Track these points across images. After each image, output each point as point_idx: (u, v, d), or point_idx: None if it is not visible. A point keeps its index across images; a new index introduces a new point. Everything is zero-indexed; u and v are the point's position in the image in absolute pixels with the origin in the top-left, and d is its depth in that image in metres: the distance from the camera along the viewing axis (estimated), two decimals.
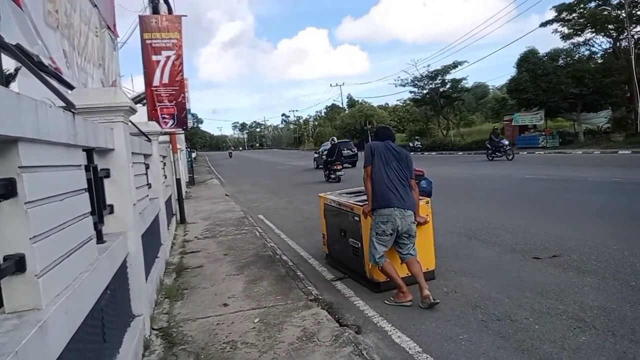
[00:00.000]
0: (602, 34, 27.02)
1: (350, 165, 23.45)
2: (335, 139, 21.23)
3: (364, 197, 4.93)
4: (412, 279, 4.42)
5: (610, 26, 25.93)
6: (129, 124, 3.89)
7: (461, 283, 4.78)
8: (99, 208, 2.92)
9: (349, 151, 24.57)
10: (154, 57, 9.31)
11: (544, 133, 28.24)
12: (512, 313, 3.87)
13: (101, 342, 2.42)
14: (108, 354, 2.54)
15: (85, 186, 2.48)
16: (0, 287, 1.69)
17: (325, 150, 22.31)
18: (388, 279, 4.54)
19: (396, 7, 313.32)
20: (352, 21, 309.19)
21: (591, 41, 28.15)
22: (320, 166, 21.18)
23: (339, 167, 17.21)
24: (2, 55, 2.65)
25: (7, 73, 3.01)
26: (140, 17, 9.57)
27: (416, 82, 39.90)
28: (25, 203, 1.67)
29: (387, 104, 64.19)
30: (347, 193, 5.89)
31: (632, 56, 23.80)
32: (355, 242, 5.00)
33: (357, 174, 17.60)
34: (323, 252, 6.14)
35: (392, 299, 4.41)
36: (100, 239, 2.87)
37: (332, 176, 17.37)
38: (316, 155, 27.58)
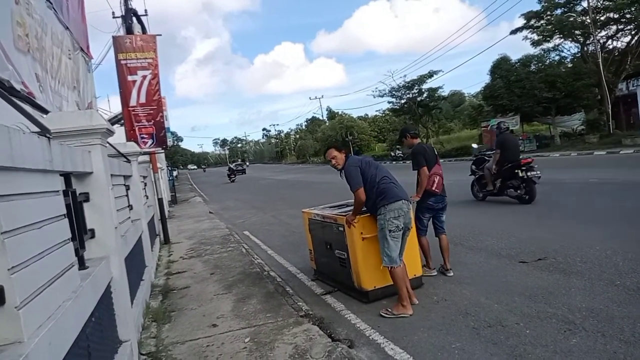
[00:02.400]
0: (570, 39, 27.86)
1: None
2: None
3: (347, 209, 5.02)
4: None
5: (577, 32, 26.76)
6: (107, 145, 3.81)
7: (450, 290, 4.78)
8: (80, 233, 2.83)
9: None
10: (130, 77, 9.23)
11: (521, 137, 28.78)
12: (502, 319, 3.88)
13: None
14: None
15: (64, 212, 2.41)
16: None
17: None
18: (376, 288, 4.61)
19: (369, 20, 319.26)
20: (326, 35, 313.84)
21: (560, 46, 29.04)
22: None
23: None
24: None
25: None
26: (114, 37, 9.50)
27: (394, 92, 40.49)
28: (2, 233, 1.60)
29: (367, 114, 64.79)
30: (330, 207, 5.87)
31: (600, 60, 24.57)
32: (342, 253, 4.96)
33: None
34: (311, 267, 6.08)
35: (389, 310, 4.30)
36: (82, 264, 2.78)
37: None
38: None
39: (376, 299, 4.67)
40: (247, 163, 62.43)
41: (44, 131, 2.22)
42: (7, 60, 3.07)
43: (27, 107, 2.77)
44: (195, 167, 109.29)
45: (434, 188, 5.24)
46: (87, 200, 3.24)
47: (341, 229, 4.88)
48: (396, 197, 4.41)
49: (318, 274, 5.91)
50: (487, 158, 10.35)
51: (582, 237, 6.12)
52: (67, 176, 2.71)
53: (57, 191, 2.35)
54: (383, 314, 4.29)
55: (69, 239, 2.40)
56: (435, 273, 5.37)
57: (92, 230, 3.26)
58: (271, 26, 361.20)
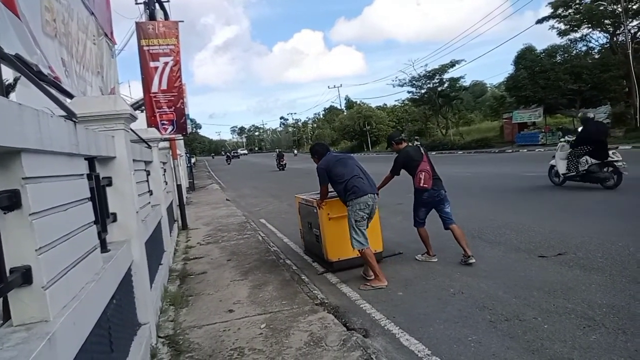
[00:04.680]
0: (599, 29, 27.11)
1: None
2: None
3: (332, 195, 5.61)
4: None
5: (606, 21, 26.00)
6: (129, 131, 3.87)
7: (467, 283, 4.75)
8: (102, 217, 2.89)
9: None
10: (152, 64, 9.30)
11: (543, 130, 28.24)
12: (520, 313, 3.85)
13: (109, 352, 2.39)
14: None
15: (89, 195, 2.46)
16: (7, 299, 1.67)
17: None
18: (340, 259, 5.59)
19: (389, 7, 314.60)
20: (346, 22, 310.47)
21: (588, 37, 28.30)
22: None
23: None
24: (2, 65, 2.63)
25: (7, 83, 2.99)
26: (137, 23, 9.56)
27: (414, 81, 39.97)
28: (30, 214, 1.65)
29: (385, 104, 64.18)
30: (317, 193, 6.12)
31: (630, 51, 23.84)
32: (317, 230, 5.93)
33: None
34: (301, 245, 7.03)
35: (367, 284, 4.94)
36: (104, 247, 2.85)
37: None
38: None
39: (340, 268, 5.64)
40: (296, 152, 64.07)
41: (70, 115, 2.26)
42: (35, 44, 3.13)
43: (54, 91, 2.82)
44: (245, 151, 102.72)
45: (421, 184, 5.54)
46: (109, 184, 3.30)
47: (315, 210, 5.81)
48: (362, 192, 5.03)
49: (306, 250, 6.85)
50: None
51: (605, 233, 6.00)
52: (91, 160, 2.76)
53: (82, 175, 2.40)
54: (362, 288, 4.90)
55: (92, 222, 2.45)
56: (436, 259, 5.69)
57: (114, 214, 3.33)
58: (291, 13, 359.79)
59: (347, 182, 5.10)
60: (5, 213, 1.61)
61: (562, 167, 10.18)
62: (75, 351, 1.81)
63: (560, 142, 10.69)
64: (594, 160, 9.47)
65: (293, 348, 3.49)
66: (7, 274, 1.57)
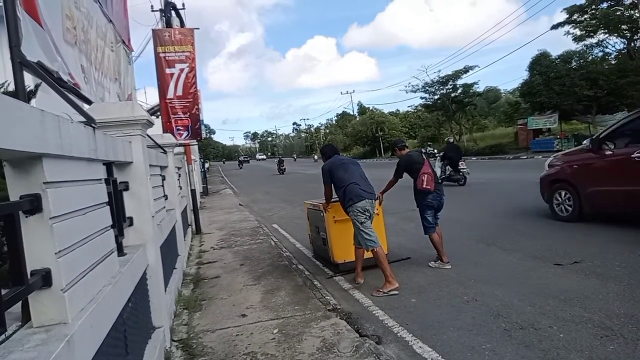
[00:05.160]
0: (616, 34, 26.72)
1: None
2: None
3: (336, 199, 5.67)
4: (370, 261, 5.27)
5: (623, 26, 25.62)
6: (146, 136, 3.93)
7: (481, 291, 4.70)
8: (119, 221, 2.94)
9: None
10: (168, 70, 9.44)
11: (558, 136, 27.90)
12: (535, 321, 3.80)
13: (124, 354, 2.42)
14: None
15: (106, 199, 2.50)
16: (28, 301, 1.70)
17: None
18: (345, 261, 5.66)
19: (402, 13, 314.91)
20: (358, 28, 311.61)
21: (604, 42, 27.87)
22: None
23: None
24: (24, 72, 2.69)
25: (28, 90, 3.06)
26: (153, 31, 9.72)
27: (427, 87, 39.88)
28: (50, 218, 1.69)
29: (398, 110, 64.23)
30: None
31: None
32: (324, 233, 6.09)
33: None
34: (311, 250, 7.15)
35: (380, 290, 4.92)
36: (120, 251, 2.89)
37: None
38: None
39: (346, 270, 5.73)
40: (317, 157, 64.70)
41: (89, 121, 2.31)
42: (56, 51, 3.20)
43: (73, 98, 2.88)
44: (264, 156, 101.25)
45: (424, 186, 5.68)
46: (126, 189, 3.35)
47: (322, 214, 5.97)
48: (359, 199, 5.16)
49: (315, 254, 6.95)
50: None
51: (622, 241, 5.90)
52: (109, 165, 2.81)
53: (100, 179, 2.44)
54: (375, 295, 4.88)
55: (110, 226, 2.49)
56: (449, 266, 5.64)
57: (131, 218, 3.38)
58: (304, 20, 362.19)
59: (345, 187, 5.26)
60: (27, 217, 1.65)
61: (438, 172, 11.84)
62: (93, 353, 1.84)
63: (436, 156, 15.87)
64: (450, 169, 14.65)
65: (306, 354, 3.49)
66: (28, 277, 1.61)
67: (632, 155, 6.29)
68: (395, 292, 4.86)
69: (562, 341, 3.40)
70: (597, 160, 7.05)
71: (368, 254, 5.26)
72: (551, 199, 7.93)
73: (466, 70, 37.13)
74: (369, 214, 5.18)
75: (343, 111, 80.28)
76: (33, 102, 3.68)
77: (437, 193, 5.72)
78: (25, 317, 1.78)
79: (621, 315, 3.73)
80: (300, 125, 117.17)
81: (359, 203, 5.16)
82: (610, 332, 3.46)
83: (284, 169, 36.39)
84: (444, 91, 39.00)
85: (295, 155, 66.90)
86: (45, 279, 1.66)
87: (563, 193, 7.68)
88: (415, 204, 5.91)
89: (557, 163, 8.01)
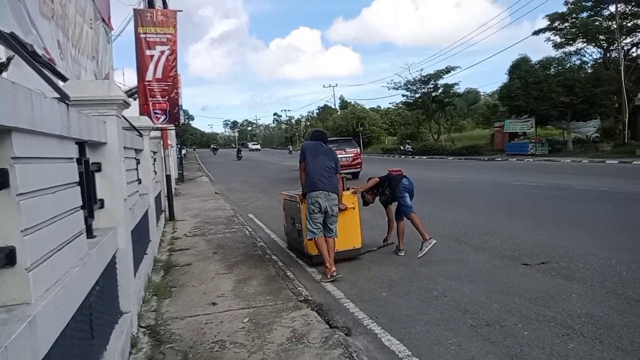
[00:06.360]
0: (593, 44, 27.44)
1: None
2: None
3: None
4: (342, 254, 5.73)
5: (601, 37, 26.32)
6: (122, 117, 3.84)
7: (451, 287, 4.79)
8: (90, 202, 2.87)
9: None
10: (148, 52, 9.22)
11: (533, 141, 28.53)
12: (501, 319, 3.89)
13: (89, 338, 2.38)
14: (95, 351, 2.50)
15: (77, 179, 2.44)
16: None
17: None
18: (319, 254, 5.49)
19: (388, 10, 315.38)
20: (344, 22, 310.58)
21: (582, 51, 28.61)
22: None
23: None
24: None
25: (0, 62, 2.94)
26: (135, 10, 9.48)
27: (409, 85, 40.15)
28: (17, 195, 1.63)
29: (379, 106, 64.40)
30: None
31: (622, 67, 24.19)
32: (299, 225, 6.13)
33: None
34: (286, 241, 7.24)
35: (324, 277, 5.23)
36: (90, 233, 2.82)
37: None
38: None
39: (319, 262, 5.63)
40: (291, 148, 65.04)
41: (63, 97, 2.24)
42: (31, 24, 3.09)
43: (47, 73, 2.79)
44: (258, 146, 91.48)
45: (395, 169, 6.55)
46: (99, 170, 3.28)
47: (299, 205, 5.99)
48: (314, 187, 5.37)
49: (289, 245, 7.03)
50: None
51: (587, 244, 6.09)
52: (81, 145, 2.73)
53: (72, 158, 2.38)
54: (322, 282, 5.20)
55: (79, 206, 2.43)
56: (435, 241, 6.00)
57: (102, 201, 3.31)
58: (289, 10, 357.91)
59: (308, 174, 5.47)
60: None
61: None
62: (56, 335, 1.80)
63: None
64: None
65: (275, 343, 3.50)
66: None
67: None
68: (336, 275, 5.16)
69: (526, 338, 3.50)
70: None
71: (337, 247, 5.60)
72: None
73: (448, 70, 37.57)
74: (318, 206, 5.33)
75: (325, 104, 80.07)
76: (4, 75, 3.55)
77: (408, 178, 6.30)
78: None
79: (582, 315, 3.86)
80: (281, 116, 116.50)
81: (312, 192, 5.37)
82: (571, 330, 3.58)
83: (241, 156, 45.85)
84: (425, 90, 39.36)
85: (290, 148, 66.12)
86: (9, 257, 1.61)
87: None
88: (390, 196, 6.33)
89: None
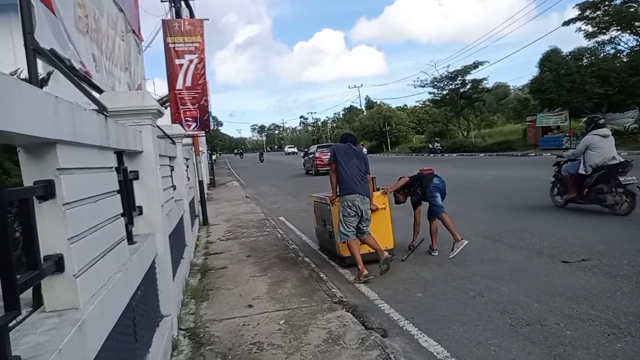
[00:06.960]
0: (629, 31, 26.31)
1: None
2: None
3: None
4: (371, 255, 5.50)
5: (637, 23, 25.24)
6: (156, 126, 3.94)
7: (487, 287, 4.69)
8: (129, 209, 2.95)
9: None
10: (177, 61, 9.44)
11: (568, 134, 27.63)
12: (542, 318, 3.79)
13: (133, 341, 2.45)
14: (139, 354, 2.57)
15: (117, 188, 2.52)
16: (39, 287, 1.72)
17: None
18: (352, 255, 5.47)
19: (411, 7, 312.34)
20: (366, 22, 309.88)
21: (617, 39, 27.45)
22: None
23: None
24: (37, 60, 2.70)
25: (40, 77, 3.07)
26: (163, 21, 9.71)
27: (436, 82, 39.62)
28: (63, 204, 1.70)
29: (406, 105, 63.80)
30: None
31: None
32: (330, 227, 6.13)
33: None
34: (317, 243, 7.22)
35: (356, 279, 5.26)
36: (130, 239, 2.91)
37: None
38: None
39: (351, 264, 5.61)
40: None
41: (101, 109, 2.32)
42: (68, 40, 3.21)
43: (85, 86, 2.89)
44: (294, 149, 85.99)
45: (425, 168, 6.42)
46: (136, 178, 3.37)
47: (329, 207, 5.99)
48: (350, 191, 5.38)
49: (321, 247, 7.02)
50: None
51: (632, 240, 5.86)
52: (119, 154, 2.82)
53: (111, 168, 2.45)
54: (354, 282, 5.23)
55: (120, 214, 2.51)
56: (467, 242, 5.92)
57: (140, 208, 3.40)
58: (312, 13, 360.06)
59: (344, 178, 5.46)
60: (40, 202, 1.66)
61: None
62: (103, 339, 1.86)
63: None
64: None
65: (311, 345, 3.51)
66: (41, 262, 1.63)
67: None
68: (370, 277, 5.18)
69: (569, 338, 3.39)
70: None
71: (365, 248, 5.56)
72: None
73: (475, 65, 36.85)
74: (355, 209, 5.34)
75: (350, 105, 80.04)
76: (45, 89, 3.70)
77: (440, 177, 6.20)
78: (36, 302, 1.80)
79: (629, 313, 3.71)
80: (307, 118, 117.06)
81: (348, 195, 5.38)
82: (617, 330, 3.44)
83: (263, 159, 51.55)
84: (453, 86, 38.72)
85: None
86: (58, 264, 1.68)
87: None
88: (421, 196, 6.27)
89: None
